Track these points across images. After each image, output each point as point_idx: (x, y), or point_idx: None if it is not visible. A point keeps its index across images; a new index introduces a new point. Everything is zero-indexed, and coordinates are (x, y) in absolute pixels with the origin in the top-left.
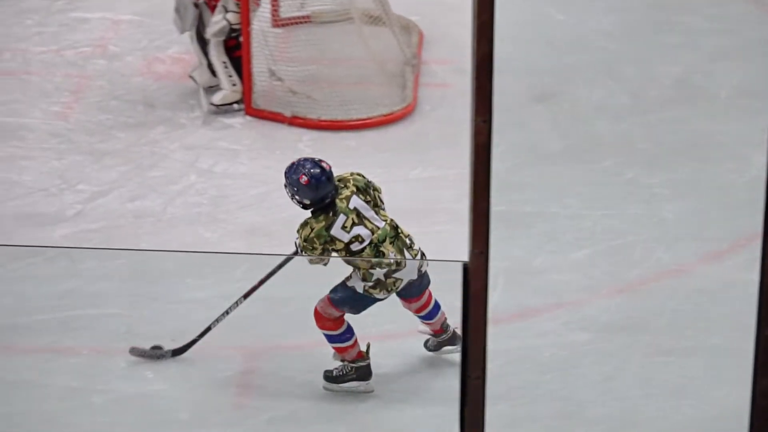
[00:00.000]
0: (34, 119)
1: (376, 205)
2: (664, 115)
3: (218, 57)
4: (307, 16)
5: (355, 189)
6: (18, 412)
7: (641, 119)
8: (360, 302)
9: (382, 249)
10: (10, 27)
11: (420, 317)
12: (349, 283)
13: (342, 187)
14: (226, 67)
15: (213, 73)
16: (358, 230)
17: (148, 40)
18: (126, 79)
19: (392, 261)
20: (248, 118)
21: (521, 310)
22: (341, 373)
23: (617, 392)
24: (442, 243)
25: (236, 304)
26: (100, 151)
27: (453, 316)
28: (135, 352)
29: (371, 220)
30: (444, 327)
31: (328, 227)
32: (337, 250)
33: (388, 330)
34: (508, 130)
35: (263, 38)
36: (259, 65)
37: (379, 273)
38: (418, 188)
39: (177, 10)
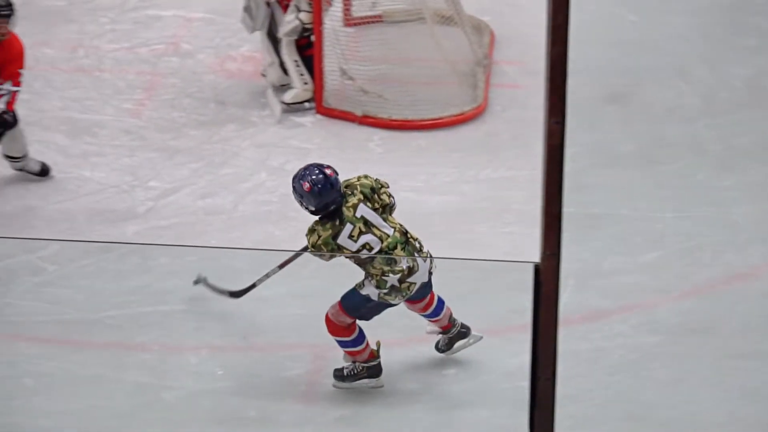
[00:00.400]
0: (107, 116)
1: (384, 211)
2: (735, 117)
3: (290, 55)
4: (379, 16)
5: (362, 196)
6: (89, 407)
7: (712, 121)
8: (374, 309)
9: (394, 256)
10: (84, 24)
11: (426, 316)
12: (363, 291)
13: (349, 195)
14: (297, 66)
15: (284, 71)
16: (366, 238)
17: (220, 38)
18: (198, 76)
19: (405, 267)
20: (319, 116)
21: (591, 312)
22: (352, 373)
23: (686, 395)
24: (512, 244)
25: (274, 271)
26: (171, 149)
27: (523, 318)
28: (200, 279)
29: (379, 228)
30: (452, 321)
31: (335, 236)
32: (345, 257)
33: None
34: (579, 131)
35: (335, 37)
36: (330, 64)
37: (393, 279)
38: (489, 189)
39: (246, 9)
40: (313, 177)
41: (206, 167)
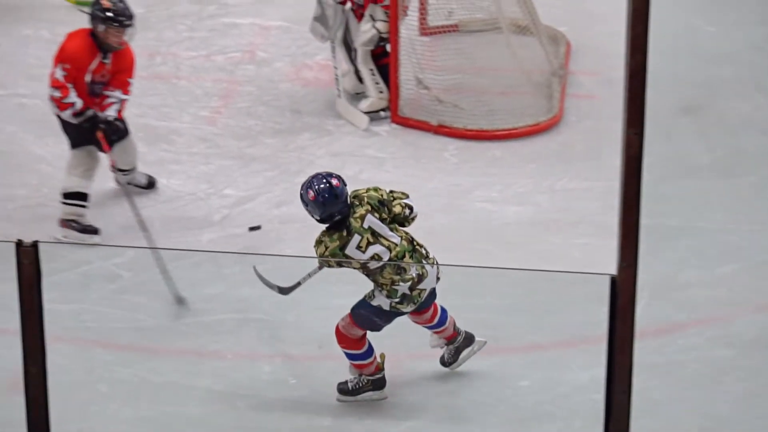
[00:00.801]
0: (184, 123)
1: (393, 221)
2: None
3: (365, 64)
4: (455, 25)
5: (369, 207)
6: (162, 414)
7: None
8: (385, 319)
9: (403, 265)
10: (162, 31)
11: (431, 327)
12: (374, 302)
13: (357, 205)
14: (373, 75)
15: (359, 80)
16: (375, 249)
17: (296, 47)
18: (274, 85)
19: (414, 275)
20: (394, 126)
21: (666, 324)
22: (357, 386)
23: (761, 409)
24: (587, 255)
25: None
26: (247, 156)
27: (597, 330)
28: (256, 272)
29: (387, 238)
30: (456, 330)
31: (343, 247)
32: (353, 268)
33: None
34: (655, 142)
35: (411, 47)
36: (406, 73)
37: (403, 287)
38: (564, 199)
39: (319, 18)
40: (319, 186)
41: (282, 175)
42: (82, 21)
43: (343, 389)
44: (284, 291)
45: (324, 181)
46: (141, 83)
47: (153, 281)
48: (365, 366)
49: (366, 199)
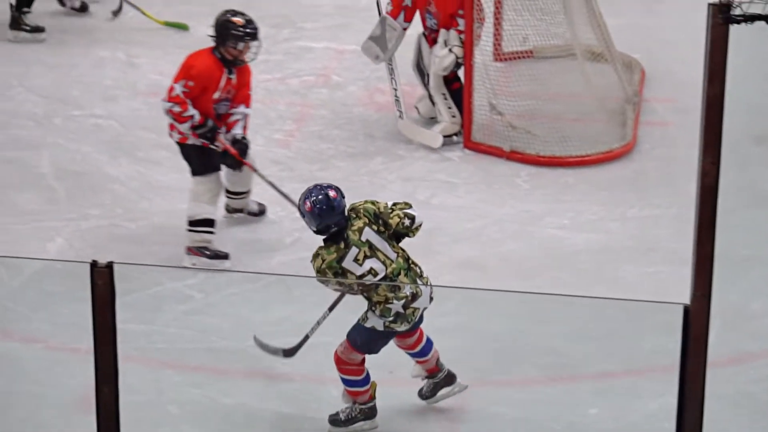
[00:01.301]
0: (257, 146)
1: (392, 236)
2: None
3: (438, 89)
4: (530, 51)
5: (367, 220)
6: None
7: None
8: (380, 341)
9: (398, 283)
10: None
11: (414, 354)
12: (368, 324)
13: (354, 218)
14: (445, 99)
15: (432, 104)
16: (371, 263)
17: (370, 71)
18: (347, 108)
19: (408, 294)
20: (467, 151)
21: (737, 354)
22: (349, 416)
23: None
24: (659, 283)
25: (325, 314)
26: (320, 179)
27: (667, 358)
28: (257, 341)
29: (384, 253)
30: (439, 365)
31: (340, 259)
32: (349, 286)
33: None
34: (727, 170)
35: (485, 72)
36: (479, 99)
37: (397, 306)
38: (635, 227)
39: (374, 38)
40: (316, 197)
41: (353, 199)
42: (160, 43)
43: (335, 420)
44: (289, 353)
45: (321, 192)
46: None
47: (223, 303)
48: (361, 393)
49: (363, 212)
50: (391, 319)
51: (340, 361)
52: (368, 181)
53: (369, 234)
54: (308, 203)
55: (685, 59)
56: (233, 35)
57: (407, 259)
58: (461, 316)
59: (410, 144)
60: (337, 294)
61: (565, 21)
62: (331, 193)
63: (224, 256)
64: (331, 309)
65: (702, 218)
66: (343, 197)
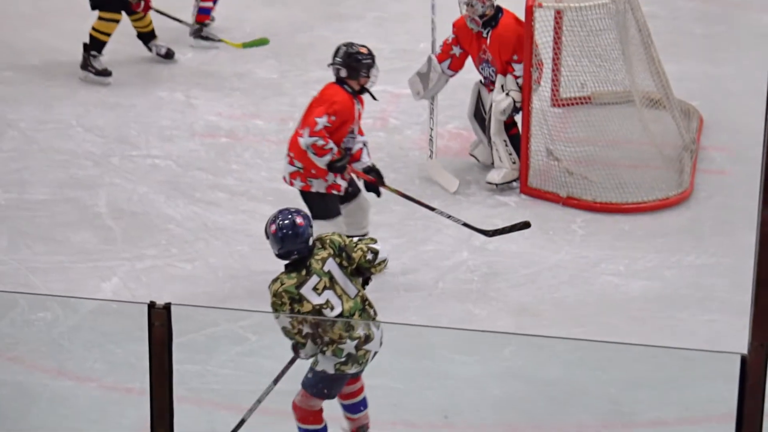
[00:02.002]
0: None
1: (353, 273)
2: None
3: (499, 135)
4: (588, 97)
5: (332, 252)
6: None
7: None
8: (334, 384)
9: (352, 322)
10: (296, 97)
11: (349, 406)
12: (318, 368)
13: (319, 248)
14: (506, 145)
15: (491, 150)
16: (329, 295)
17: (427, 115)
18: (404, 152)
19: (362, 334)
20: (523, 196)
21: None
22: None
23: None
24: (714, 332)
25: (267, 391)
26: (375, 223)
27: (723, 408)
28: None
29: (344, 288)
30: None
31: (299, 285)
32: (304, 312)
33: None
34: None
35: (542, 117)
36: (536, 144)
37: (350, 346)
38: (691, 275)
39: (420, 75)
40: (282, 221)
41: (408, 243)
42: (218, 84)
43: None
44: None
45: (288, 217)
46: (272, 148)
47: (278, 344)
48: None
49: (329, 243)
50: (342, 359)
51: (297, 409)
52: (423, 225)
53: (332, 266)
54: (273, 226)
55: (744, 107)
56: (365, 65)
57: (365, 300)
58: (516, 362)
59: (468, 188)
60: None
61: (624, 67)
62: (298, 220)
63: None
64: (276, 381)
65: (761, 268)
66: (310, 226)
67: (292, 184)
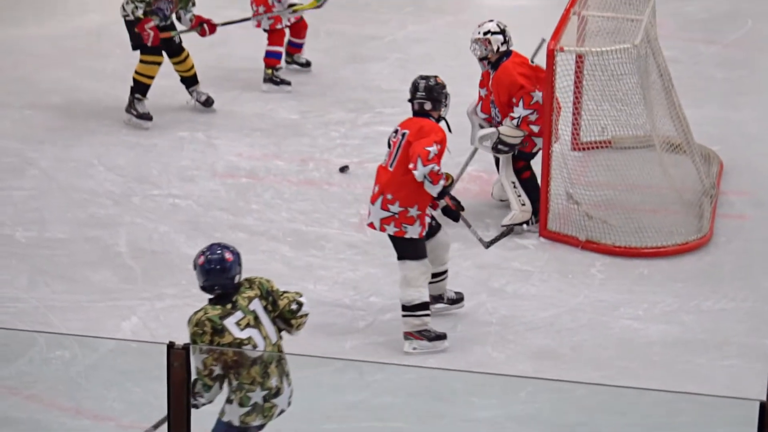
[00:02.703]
0: (333, 229)
1: (275, 320)
2: None
3: (507, 177)
4: (608, 141)
5: (259, 293)
6: None
7: None
8: None
9: (268, 370)
10: (316, 138)
11: None
12: (225, 418)
13: (247, 287)
14: (515, 187)
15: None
16: (252, 333)
17: (448, 157)
18: None
19: (274, 386)
20: (542, 239)
21: None
22: None
23: None
24: (732, 377)
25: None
26: (394, 265)
27: None
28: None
29: (267, 329)
30: None
31: (223, 316)
32: (224, 345)
33: None
34: None
35: (562, 161)
36: (556, 187)
37: (258, 395)
38: (711, 320)
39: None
40: (210, 255)
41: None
42: (239, 125)
43: None
44: None
45: (218, 251)
46: (292, 189)
47: (296, 386)
48: None
49: (257, 284)
50: (248, 409)
51: None
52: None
53: (257, 306)
54: (202, 258)
55: (764, 153)
56: (445, 95)
57: (281, 351)
58: (535, 406)
59: (488, 231)
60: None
61: (645, 112)
62: (227, 255)
63: (443, 336)
64: (156, 427)
65: None
66: (239, 264)
67: (383, 229)
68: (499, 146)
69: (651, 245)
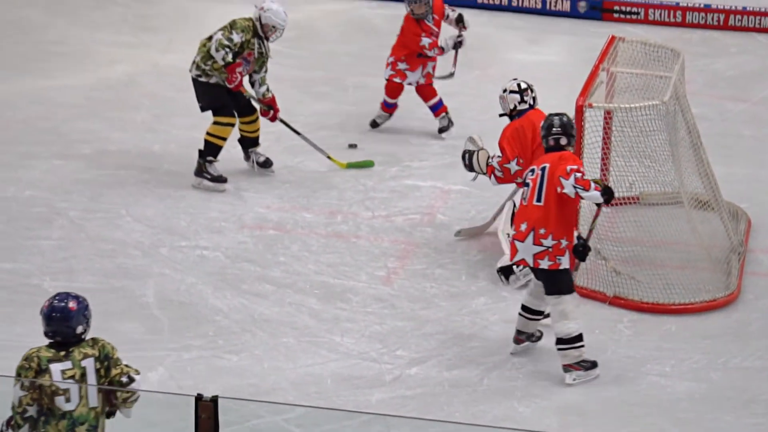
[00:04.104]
0: (360, 282)
1: (109, 384)
2: None
3: (504, 228)
4: (636, 197)
5: (97, 354)
6: None
7: None
8: None
9: (76, 429)
10: (344, 191)
11: None
12: None
13: (89, 345)
14: (508, 237)
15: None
16: (73, 387)
17: (476, 211)
18: (451, 248)
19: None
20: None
21: None
22: None
23: None
24: None
25: None
26: (421, 318)
27: None
28: None
29: (88, 392)
30: None
31: (51, 360)
32: (42, 387)
33: None
34: None
35: (591, 216)
36: None
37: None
38: (738, 378)
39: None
40: (56, 302)
41: (454, 339)
42: (268, 178)
43: None
44: None
45: (65, 300)
46: (320, 241)
47: None
48: None
49: (100, 346)
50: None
51: None
52: (470, 321)
53: (89, 365)
54: (47, 304)
55: None
56: (575, 129)
57: (99, 420)
58: None
59: (513, 284)
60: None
61: (673, 168)
62: (71, 305)
63: (596, 364)
64: None
65: None
66: (85, 316)
67: (537, 264)
68: (467, 156)
69: (679, 302)
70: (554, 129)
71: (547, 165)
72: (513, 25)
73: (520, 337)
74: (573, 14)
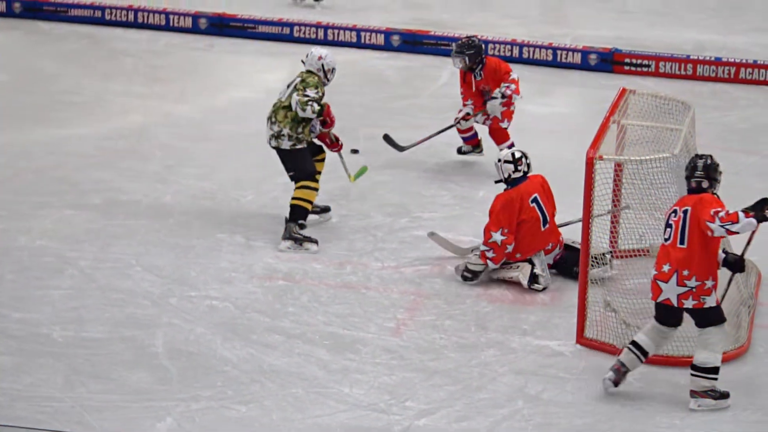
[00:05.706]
0: (369, 333)
1: None
2: None
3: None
4: (646, 249)
5: None
6: None
7: None
8: None
9: None
10: (354, 242)
11: None
12: None
13: None
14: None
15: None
16: None
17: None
18: (461, 299)
19: None
20: (578, 347)
21: None
22: None
23: None
24: None
25: None
26: (430, 370)
27: None
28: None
29: None
30: None
31: None
32: None
33: None
34: None
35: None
36: (594, 295)
37: None
38: (748, 430)
39: None
40: None
41: (463, 390)
42: (278, 228)
43: None
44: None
45: None
46: (329, 291)
47: None
48: None
49: None
50: None
51: None
52: (479, 373)
53: None
54: None
55: None
56: (721, 173)
57: None
58: None
59: (524, 336)
60: None
61: None
62: None
63: (727, 395)
64: None
65: None
66: None
67: (681, 304)
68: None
69: (688, 354)
70: (697, 172)
71: (689, 208)
72: (524, 76)
73: (622, 368)
74: (584, 66)
